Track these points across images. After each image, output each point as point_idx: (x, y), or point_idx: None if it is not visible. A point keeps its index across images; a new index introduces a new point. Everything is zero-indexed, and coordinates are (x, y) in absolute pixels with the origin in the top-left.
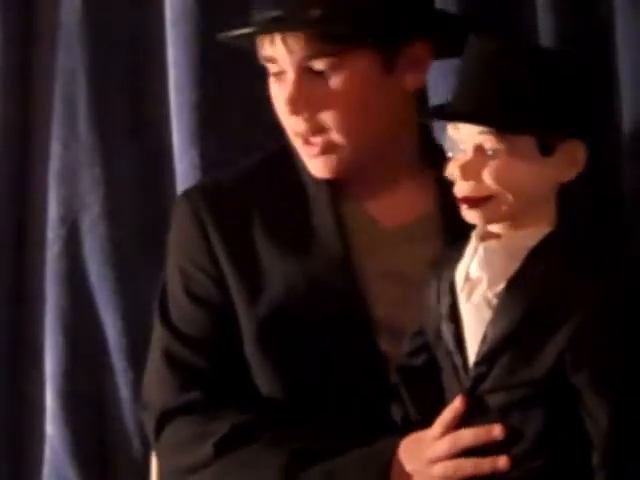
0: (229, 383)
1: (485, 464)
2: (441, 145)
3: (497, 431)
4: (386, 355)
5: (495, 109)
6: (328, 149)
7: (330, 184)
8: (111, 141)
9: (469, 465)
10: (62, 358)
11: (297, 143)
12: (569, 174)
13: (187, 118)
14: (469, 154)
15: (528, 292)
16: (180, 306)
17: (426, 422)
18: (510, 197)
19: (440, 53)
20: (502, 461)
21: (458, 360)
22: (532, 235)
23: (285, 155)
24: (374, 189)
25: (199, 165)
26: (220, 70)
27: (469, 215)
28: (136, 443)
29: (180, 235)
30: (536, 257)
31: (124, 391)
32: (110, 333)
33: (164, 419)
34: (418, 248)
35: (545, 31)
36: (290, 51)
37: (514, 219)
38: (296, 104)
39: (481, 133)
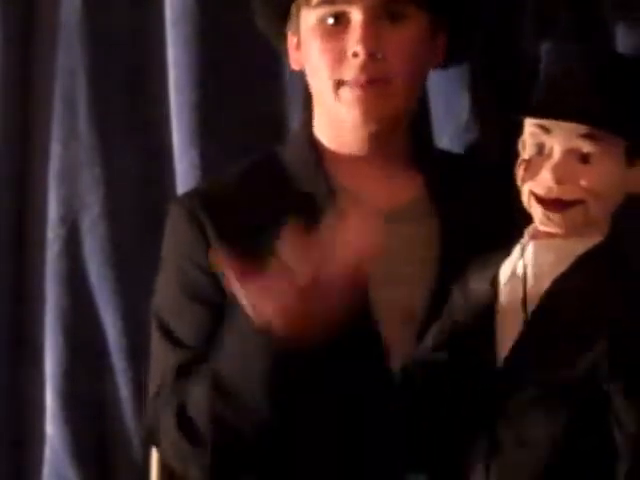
0: None
1: None
2: (429, 140)
3: None
4: (384, 338)
5: (606, 113)
6: (384, 95)
7: (324, 176)
8: (111, 141)
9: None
10: (62, 358)
11: (341, 92)
12: None
13: (187, 118)
14: (557, 157)
15: (571, 295)
16: (178, 308)
17: (435, 418)
18: (598, 203)
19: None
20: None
21: (487, 354)
22: (584, 242)
23: (273, 156)
24: (366, 178)
25: (199, 165)
26: (220, 70)
27: (550, 219)
28: (136, 443)
29: (177, 237)
30: (583, 264)
31: (124, 391)
32: (110, 333)
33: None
34: (413, 230)
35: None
36: None
37: (590, 227)
38: (370, 42)
39: (580, 137)
